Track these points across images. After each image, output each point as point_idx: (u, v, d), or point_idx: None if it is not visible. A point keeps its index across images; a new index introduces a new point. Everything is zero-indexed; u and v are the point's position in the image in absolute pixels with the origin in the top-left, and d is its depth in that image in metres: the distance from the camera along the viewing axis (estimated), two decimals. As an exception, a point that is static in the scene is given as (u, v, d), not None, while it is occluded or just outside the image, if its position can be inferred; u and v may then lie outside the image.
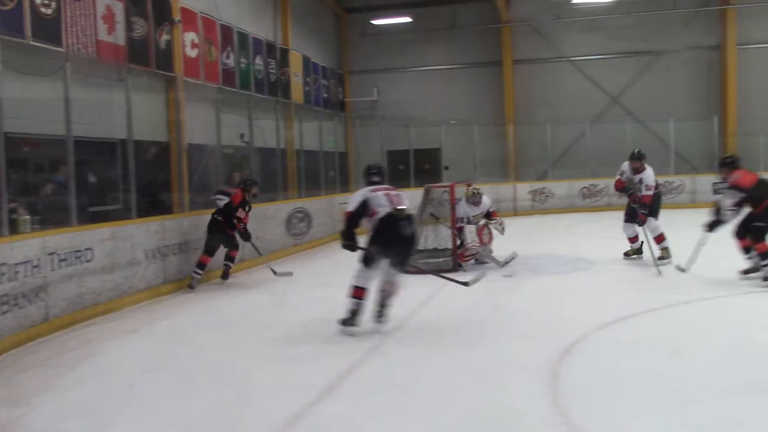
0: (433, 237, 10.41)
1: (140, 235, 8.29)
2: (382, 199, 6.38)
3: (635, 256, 9.99)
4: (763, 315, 6.58)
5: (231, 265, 9.50)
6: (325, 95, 21.41)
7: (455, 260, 9.53)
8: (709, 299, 7.23)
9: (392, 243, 6.27)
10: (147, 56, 12.06)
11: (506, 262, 9.79)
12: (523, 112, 22.25)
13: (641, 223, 9.45)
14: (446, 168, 22.04)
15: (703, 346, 5.57)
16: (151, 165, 12.42)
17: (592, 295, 7.74)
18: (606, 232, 12.99)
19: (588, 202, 20.17)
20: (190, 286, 8.99)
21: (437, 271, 9.26)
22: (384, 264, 6.34)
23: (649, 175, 9.63)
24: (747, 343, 5.59)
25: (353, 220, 6.41)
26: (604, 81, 22.00)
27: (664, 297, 7.36)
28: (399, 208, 6.31)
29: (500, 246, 10.08)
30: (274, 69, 17.45)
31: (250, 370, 5.38)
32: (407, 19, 22.26)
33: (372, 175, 6.80)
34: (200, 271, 9.07)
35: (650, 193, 9.52)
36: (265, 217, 11.35)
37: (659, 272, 8.69)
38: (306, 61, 19.75)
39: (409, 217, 6.38)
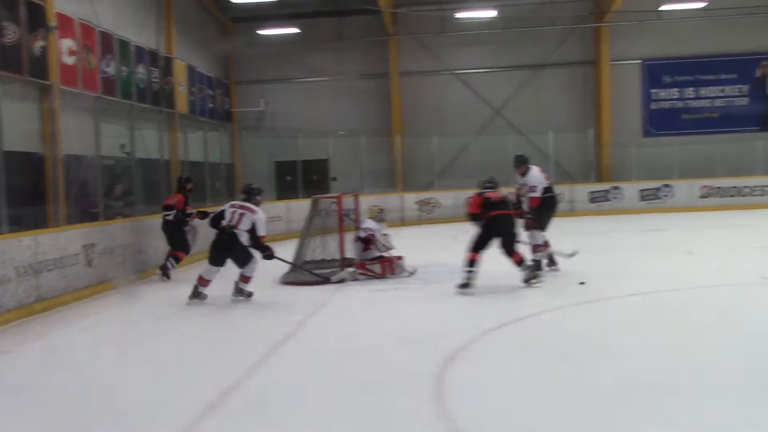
0: (321, 248, 10.37)
1: (11, 250, 7.84)
2: (228, 213, 8.30)
3: (551, 267, 9.59)
4: (633, 317, 6.88)
5: (174, 264, 10.47)
6: (211, 105, 21.04)
7: (342, 271, 9.52)
8: (586, 303, 7.50)
9: (218, 249, 8.34)
10: (19, 63, 11.49)
11: (411, 273, 9.85)
12: (410, 124, 22.59)
13: (526, 228, 9.37)
14: (334, 179, 22.05)
15: (581, 348, 5.77)
16: (24, 176, 11.81)
17: (477, 302, 7.88)
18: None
19: (474, 212, 20.58)
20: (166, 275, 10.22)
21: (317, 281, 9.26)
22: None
23: (532, 176, 9.49)
24: (623, 345, 5.84)
25: (210, 223, 8.47)
26: (487, 94, 22.65)
27: (543, 302, 7.58)
28: (229, 224, 8.21)
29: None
30: (157, 78, 16.99)
31: (126, 388, 5.17)
32: (295, 30, 22.20)
33: (243, 193, 8.54)
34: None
35: (535, 194, 9.35)
36: (149, 230, 10.98)
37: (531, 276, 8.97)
38: (191, 70, 19.35)
39: (232, 233, 8.19)
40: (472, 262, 8.20)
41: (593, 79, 22.45)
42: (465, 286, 8.13)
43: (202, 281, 8.37)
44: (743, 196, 19.99)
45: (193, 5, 20.66)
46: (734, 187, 20.11)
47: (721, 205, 19.65)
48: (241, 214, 8.25)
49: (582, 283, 7.83)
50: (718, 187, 20.12)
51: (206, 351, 6.19)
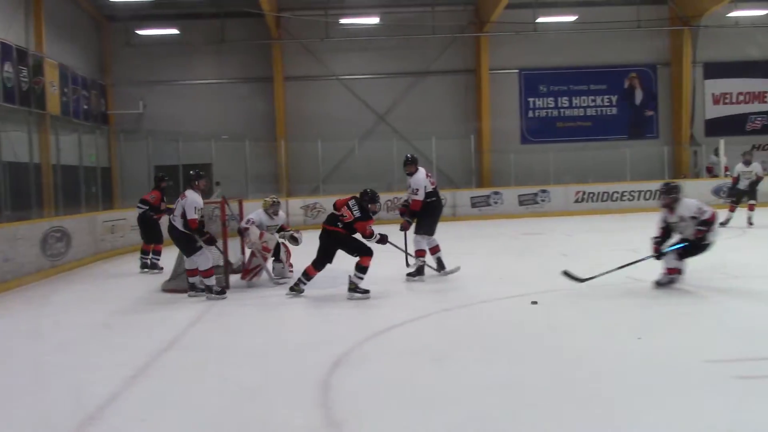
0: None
1: None
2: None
3: (441, 272, 9.51)
4: (509, 318, 7.07)
5: (157, 258, 11.20)
6: (86, 107, 20.17)
7: (227, 278, 9.29)
8: (468, 306, 7.66)
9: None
10: None
11: (283, 279, 9.66)
12: (295, 129, 22.47)
13: (401, 228, 9.45)
14: (218, 183, 21.58)
15: (461, 349, 5.89)
16: None
17: (362, 306, 7.89)
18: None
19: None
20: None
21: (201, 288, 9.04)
22: None
23: (416, 178, 9.45)
24: (499, 345, 6.00)
25: None
26: (371, 100, 22.84)
27: (425, 305, 7.67)
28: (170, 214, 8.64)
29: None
30: (26, 77, 16.12)
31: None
32: (174, 31, 21.64)
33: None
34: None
35: (417, 197, 9.31)
36: (16, 238, 10.39)
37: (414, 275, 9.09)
38: (63, 70, 18.48)
39: (170, 223, 8.56)
40: (307, 274, 8.43)
41: (474, 87, 23.05)
42: (356, 290, 8.17)
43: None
44: (614, 200, 20.99)
45: (65, 1, 19.77)
46: (605, 192, 21.10)
47: (593, 210, 20.57)
48: (177, 202, 8.57)
49: (534, 303, 7.58)
50: (591, 193, 21.05)
51: (80, 362, 5.89)
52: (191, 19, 21.97)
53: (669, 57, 23.56)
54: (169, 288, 9.33)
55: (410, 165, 9.63)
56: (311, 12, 22.03)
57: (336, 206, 8.32)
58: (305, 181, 21.93)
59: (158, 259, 11.36)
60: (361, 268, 8.16)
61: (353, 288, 8.16)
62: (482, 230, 16.82)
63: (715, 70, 23.90)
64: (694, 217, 7.81)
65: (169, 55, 22.26)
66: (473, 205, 20.61)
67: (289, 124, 22.53)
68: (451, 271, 9.43)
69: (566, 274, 7.86)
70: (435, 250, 9.54)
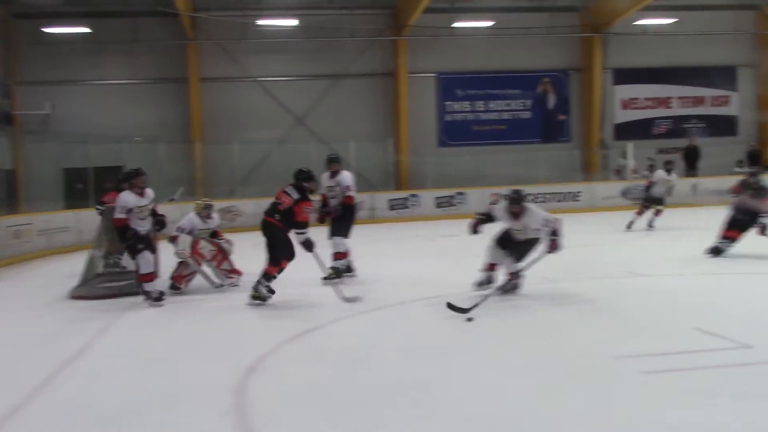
0: (114, 260, 9.82)
1: None
2: None
3: (349, 274, 9.52)
4: (421, 321, 7.12)
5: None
6: (-11, 107, 19.34)
7: (139, 282, 9.00)
8: (382, 308, 7.68)
9: None
10: None
11: (222, 284, 9.38)
12: (211, 130, 22.07)
13: (318, 221, 9.48)
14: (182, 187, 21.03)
15: (379, 351, 5.90)
16: None
17: (277, 310, 7.81)
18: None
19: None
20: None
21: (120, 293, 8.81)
22: None
23: (346, 176, 9.54)
24: (414, 346, 6.04)
25: None
26: (289, 102, 22.68)
27: (343, 308, 7.65)
28: None
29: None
30: (-77, 75, 15.34)
31: None
32: (85, 30, 20.97)
33: None
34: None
35: (351, 193, 9.39)
36: None
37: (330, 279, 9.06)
38: (-36, 68, 17.66)
39: None
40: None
41: (392, 91, 23.18)
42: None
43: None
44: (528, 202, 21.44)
45: (-33, -3, 18.94)
46: (520, 194, 21.53)
47: (509, 212, 20.99)
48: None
49: (470, 320, 7.45)
50: (506, 195, 21.43)
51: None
52: (103, 18, 21.32)
53: (581, 63, 24.25)
54: (78, 294, 9.00)
55: (336, 163, 9.66)
56: (228, 12, 21.72)
57: (276, 196, 8.20)
58: (221, 184, 21.57)
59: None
60: (267, 276, 7.95)
61: (256, 296, 7.91)
62: (400, 232, 16.90)
63: (624, 76, 24.74)
64: (538, 229, 7.73)
65: (80, 55, 21.51)
66: (391, 208, 20.71)
67: (205, 125, 22.13)
68: (353, 298, 8.60)
69: (450, 306, 7.07)
70: (345, 255, 9.49)
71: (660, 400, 4.53)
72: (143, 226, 8.43)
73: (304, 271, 8.50)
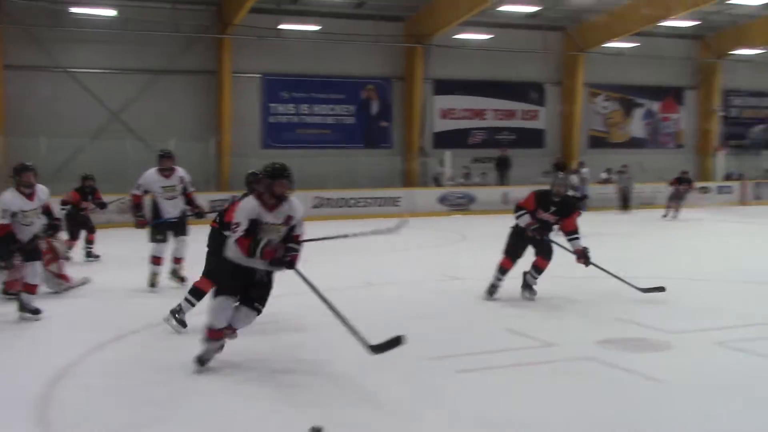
0: None
1: None
2: None
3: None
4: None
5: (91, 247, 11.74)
6: None
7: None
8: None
9: None
10: None
11: (69, 288, 8.62)
12: (15, 123, 20.47)
13: (137, 226, 8.90)
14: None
15: (183, 357, 5.74)
16: None
17: (84, 315, 7.41)
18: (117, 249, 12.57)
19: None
20: None
21: None
22: None
23: (183, 174, 9.03)
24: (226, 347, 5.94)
25: None
26: (105, 96, 21.56)
27: (159, 314, 7.38)
28: None
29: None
30: None
31: None
32: None
33: None
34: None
35: (193, 189, 8.93)
36: None
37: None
38: None
39: None
40: None
41: (216, 90, 22.66)
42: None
43: None
44: (350, 206, 21.75)
45: None
46: (342, 198, 21.82)
47: (331, 215, 21.10)
48: None
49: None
50: (328, 198, 21.65)
51: None
52: None
53: (403, 72, 24.91)
54: None
55: (170, 159, 9.07)
56: (38, -3, 20.31)
57: None
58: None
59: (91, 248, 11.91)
60: (195, 292, 6.82)
61: (176, 310, 6.76)
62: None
63: (444, 87, 25.74)
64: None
65: None
66: (212, 209, 20.17)
67: (9, 117, 20.52)
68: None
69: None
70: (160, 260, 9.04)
71: (474, 397, 4.74)
72: (28, 233, 7.18)
73: (117, 274, 8.11)
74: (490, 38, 24.94)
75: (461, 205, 22.71)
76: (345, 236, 7.30)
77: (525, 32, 25.87)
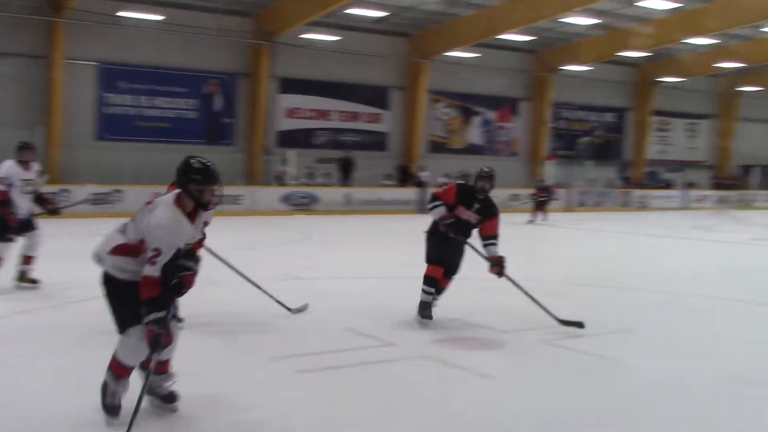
0: None
1: None
2: None
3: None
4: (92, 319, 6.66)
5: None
6: None
7: None
8: (52, 307, 7.00)
9: None
10: None
11: None
12: None
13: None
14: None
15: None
16: None
17: None
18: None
19: None
20: None
21: None
22: None
23: (36, 167, 8.32)
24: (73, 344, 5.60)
25: None
26: None
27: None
28: None
29: None
30: None
31: None
32: None
33: None
34: None
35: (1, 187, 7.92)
36: None
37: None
38: None
39: None
40: None
41: (45, 76, 21.26)
42: None
43: None
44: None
45: None
46: (178, 195, 21.17)
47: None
48: None
49: None
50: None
51: None
52: None
53: (249, 68, 24.51)
54: None
55: (31, 151, 8.30)
56: None
57: None
58: None
59: None
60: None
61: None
62: (52, 230, 15.58)
63: (290, 85, 25.60)
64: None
65: None
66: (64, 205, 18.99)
67: None
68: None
69: None
70: None
71: (313, 397, 4.73)
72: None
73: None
74: (338, 40, 25.10)
75: (304, 205, 22.68)
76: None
77: (372, 36, 26.26)
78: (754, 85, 34.78)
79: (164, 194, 4.54)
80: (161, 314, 3.95)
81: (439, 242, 7.00)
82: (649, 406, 4.86)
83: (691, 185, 33.97)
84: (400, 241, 14.38)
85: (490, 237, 6.94)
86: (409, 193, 24.91)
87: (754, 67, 31.38)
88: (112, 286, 4.20)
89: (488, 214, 6.98)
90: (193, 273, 4.24)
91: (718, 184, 35.58)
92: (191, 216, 4.27)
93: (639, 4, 22.43)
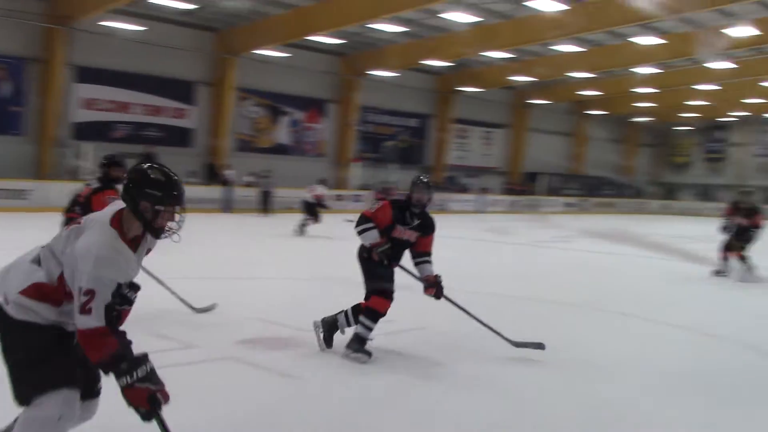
0: None
1: None
2: None
3: None
4: None
5: None
6: None
7: None
8: None
9: None
10: None
11: None
12: None
13: None
14: None
15: None
16: None
17: None
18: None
19: None
20: None
21: None
22: None
23: None
24: None
25: None
26: None
27: None
28: None
29: None
30: None
31: None
32: None
33: None
34: None
35: None
36: None
37: None
38: None
39: None
40: None
41: None
42: None
43: None
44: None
45: None
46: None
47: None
48: None
49: None
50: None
51: None
52: None
53: (42, 54, 22.79)
54: None
55: None
56: None
57: None
58: None
59: None
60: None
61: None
62: None
63: (87, 75, 24.17)
64: None
65: None
66: None
67: None
68: None
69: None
70: None
71: (109, 403, 4.48)
72: None
73: None
74: (142, 30, 24.03)
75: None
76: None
77: (178, 28, 25.45)
78: (542, 98, 37.65)
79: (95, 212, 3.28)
80: (145, 366, 3.00)
81: (384, 268, 5.97)
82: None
83: (485, 190, 36.06)
84: (204, 240, 14.06)
85: (423, 254, 6.12)
86: (214, 191, 24.38)
87: (544, 82, 33.94)
88: (13, 332, 2.95)
89: (426, 230, 6.14)
90: (130, 307, 3.14)
91: (510, 190, 38.10)
92: (133, 243, 3.12)
93: (442, 15, 23.44)
